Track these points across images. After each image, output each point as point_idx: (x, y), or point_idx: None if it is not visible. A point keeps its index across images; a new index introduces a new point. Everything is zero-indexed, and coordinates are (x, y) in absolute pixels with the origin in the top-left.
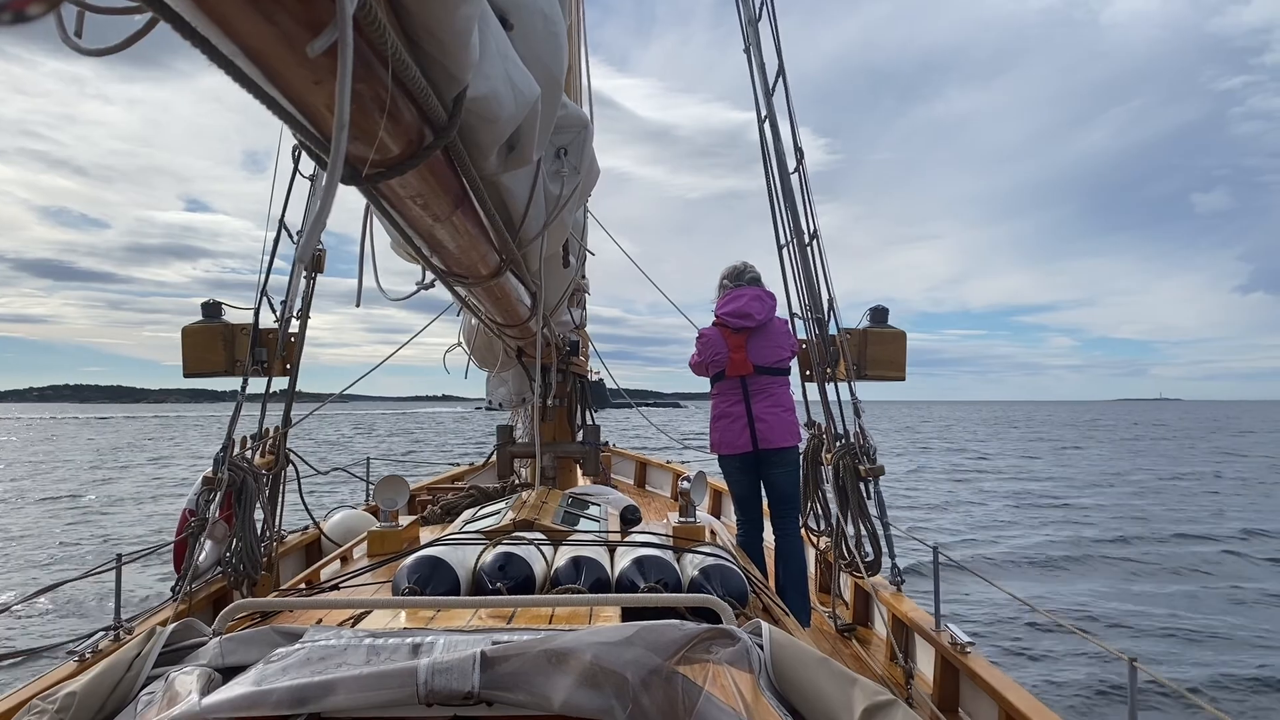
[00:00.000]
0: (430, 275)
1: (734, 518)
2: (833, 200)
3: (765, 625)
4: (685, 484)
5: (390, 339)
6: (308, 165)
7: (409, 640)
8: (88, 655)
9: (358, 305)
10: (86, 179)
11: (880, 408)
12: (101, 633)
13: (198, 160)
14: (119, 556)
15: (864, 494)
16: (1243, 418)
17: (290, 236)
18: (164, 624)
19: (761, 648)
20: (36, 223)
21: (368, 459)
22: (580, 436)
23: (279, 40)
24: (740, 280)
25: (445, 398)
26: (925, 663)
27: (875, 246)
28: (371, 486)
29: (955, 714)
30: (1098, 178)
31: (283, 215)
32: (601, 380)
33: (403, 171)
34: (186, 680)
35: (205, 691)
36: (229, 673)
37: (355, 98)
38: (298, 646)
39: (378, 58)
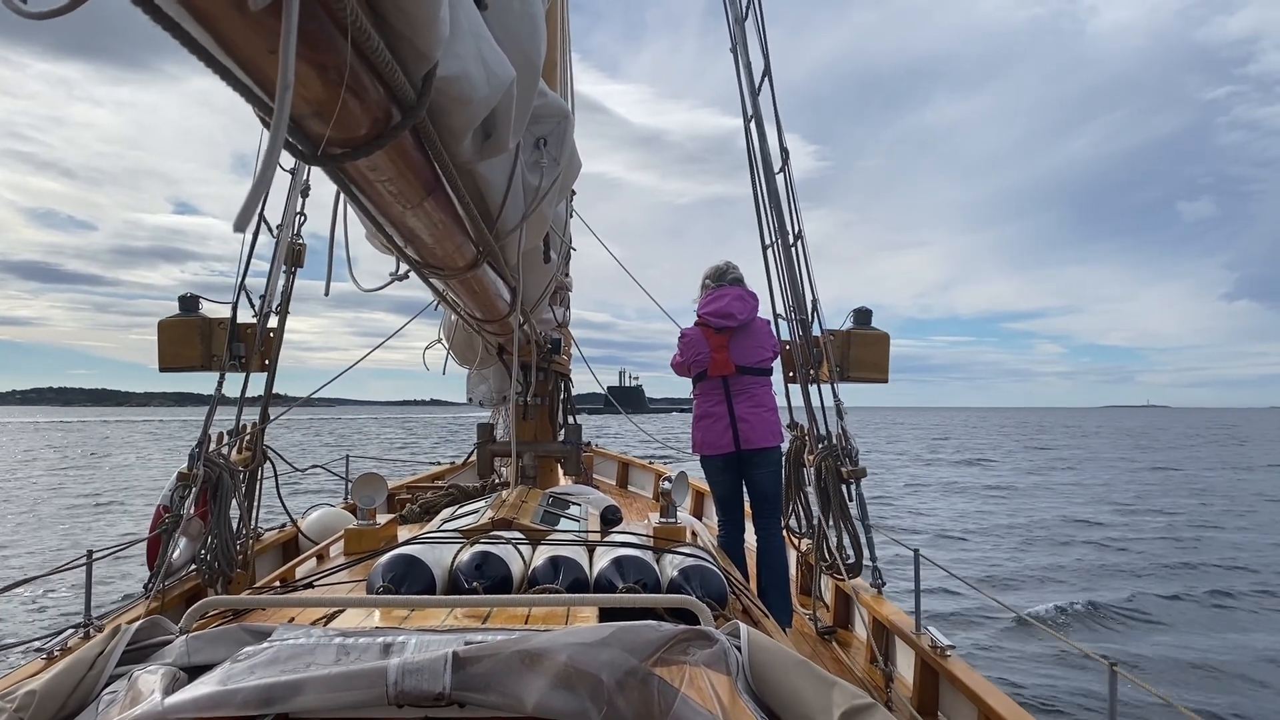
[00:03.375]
0: (405, 266)
1: (715, 519)
2: (822, 206)
3: (743, 627)
4: (666, 484)
5: (378, 342)
6: (288, 159)
7: (380, 640)
8: (55, 653)
9: (326, 294)
10: (74, 181)
11: (868, 414)
12: (70, 630)
13: (186, 163)
14: (89, 552)
15: (846, 496)
16: (1240, 425)
17: (270, 231)
18: (130, 623)
19: (739, 650)
20: (24, 225)
21: (346, 456)
22: (562, 436)
23: (225, 2)
24: (723, 280)
25: (434, 402)
26: (905, 666)
27: (864, 253)
28: (350, 484)
29: (934, 717)
30: (1084, 185)
31: (261, 209)
32: (641, 386)
33: (369, 152)
34: (150, 679)
35: (169, 691)
36: (195, 672)
37: (314, 69)
38: (265, 645)
39: (336, 26)
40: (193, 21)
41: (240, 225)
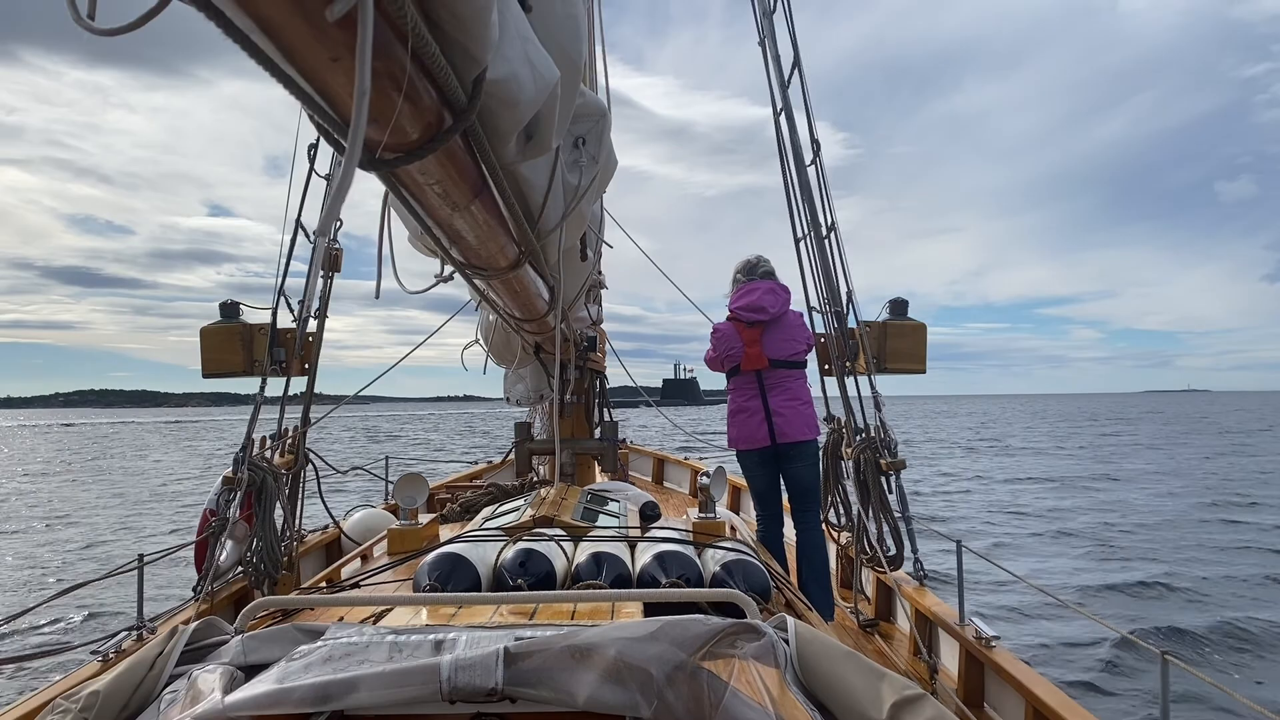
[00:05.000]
0: (449, 268)
1: (753, 513)
2: (852, 194)
3: (790, 619)
4: (704, 479)
5: (411, 340)
6: (323, 164)
7: (431, 637)
8: (111, 655)
9: (377, 297)
10: (111, 186)
11: (906, 403)
12: (125, 632)
13: (219, 166)
14: (140, 557)
15: (885, 488)
16: None
17: (307, 236)
18: (186, 624)
19: (787, 642)
20: (64, 230)
21: (386, 458)
22: (598, 433)
23: (295, 11)
24: (754, 274)
25: (468, 398)
26: (949, 657)
27: (895, 240)
28: (390, 485)
29: (981, 709)
30: (1119, 167)
31: (299, 214)
32: (695, 378)
33: (422, 156)
34: (209, 678)
35: (228, 689)
36: (251, 671)
37: (373, 76)
38: (319, 644)
39: (396, 34)
40: (260, 32)
41: (324, 231)
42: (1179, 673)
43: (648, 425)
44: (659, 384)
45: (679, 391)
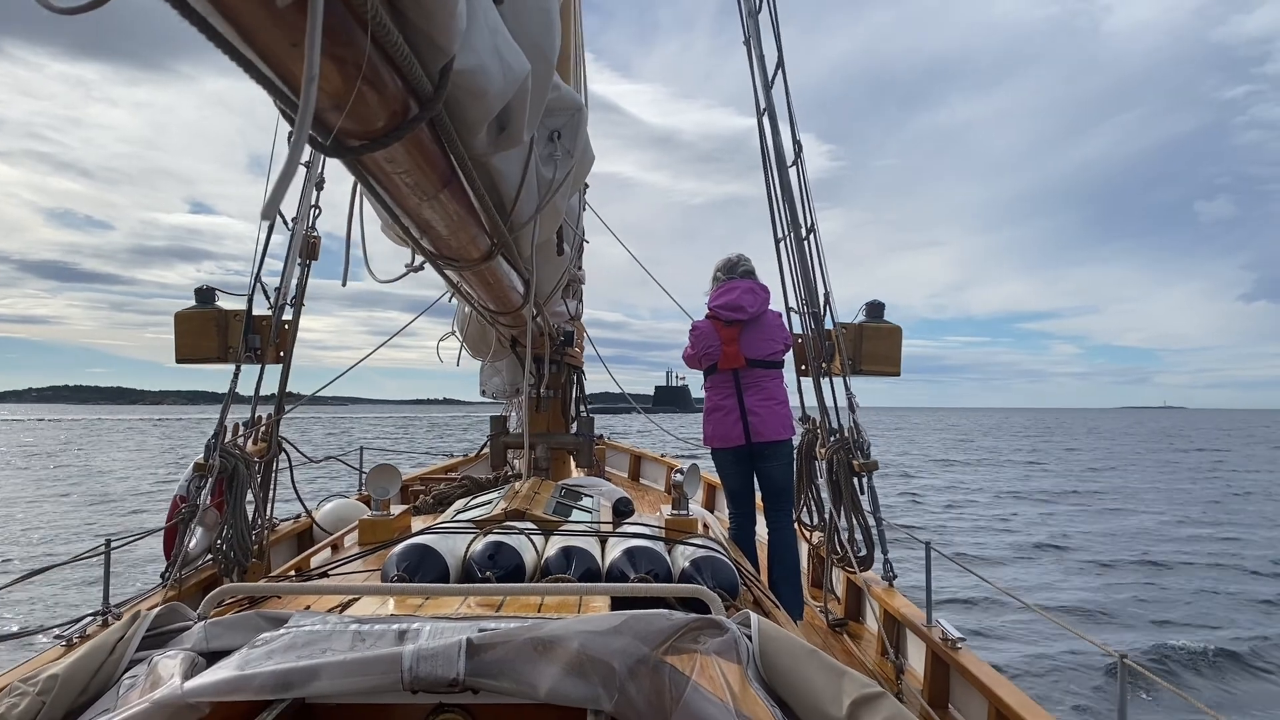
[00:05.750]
0: (420, 258)
1: (727, 511)
2: (836, 206)
3: (754, 616)
4: (678, 476)
5: (394, 341)
6: (305, 151)
7: (395, 627)
8: (75, 639)
9: (344, 284)
10: (92, 181)
11: (880, 414)
12: (90, 617)
13: (202, 163)
14: (107, 541)
15: (857, 489)
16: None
17: (285, 224)
18: (153, 609)
19: (750, 639)
20: (42, 224)
21: (360, 449)
22: (574, 428)
23: None
24: (733, 273)
25: (447, 401)
26: (916, 658)
27: (878, 253)
28: (364, 476)
29: (945, 710)
30: (1101, 185)
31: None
32: (686, 386)
33: (387, 144)
34: (169, 664)
35: (188, 675)
36: (213, 657)
37: (335, 63)
38: (283, 631)
39: (357, 21)
40: (218, 16)
41: (268, 214)
42: (1139, 678)
43: (644, 430)
44: (651, 391)
45: (671, 399)
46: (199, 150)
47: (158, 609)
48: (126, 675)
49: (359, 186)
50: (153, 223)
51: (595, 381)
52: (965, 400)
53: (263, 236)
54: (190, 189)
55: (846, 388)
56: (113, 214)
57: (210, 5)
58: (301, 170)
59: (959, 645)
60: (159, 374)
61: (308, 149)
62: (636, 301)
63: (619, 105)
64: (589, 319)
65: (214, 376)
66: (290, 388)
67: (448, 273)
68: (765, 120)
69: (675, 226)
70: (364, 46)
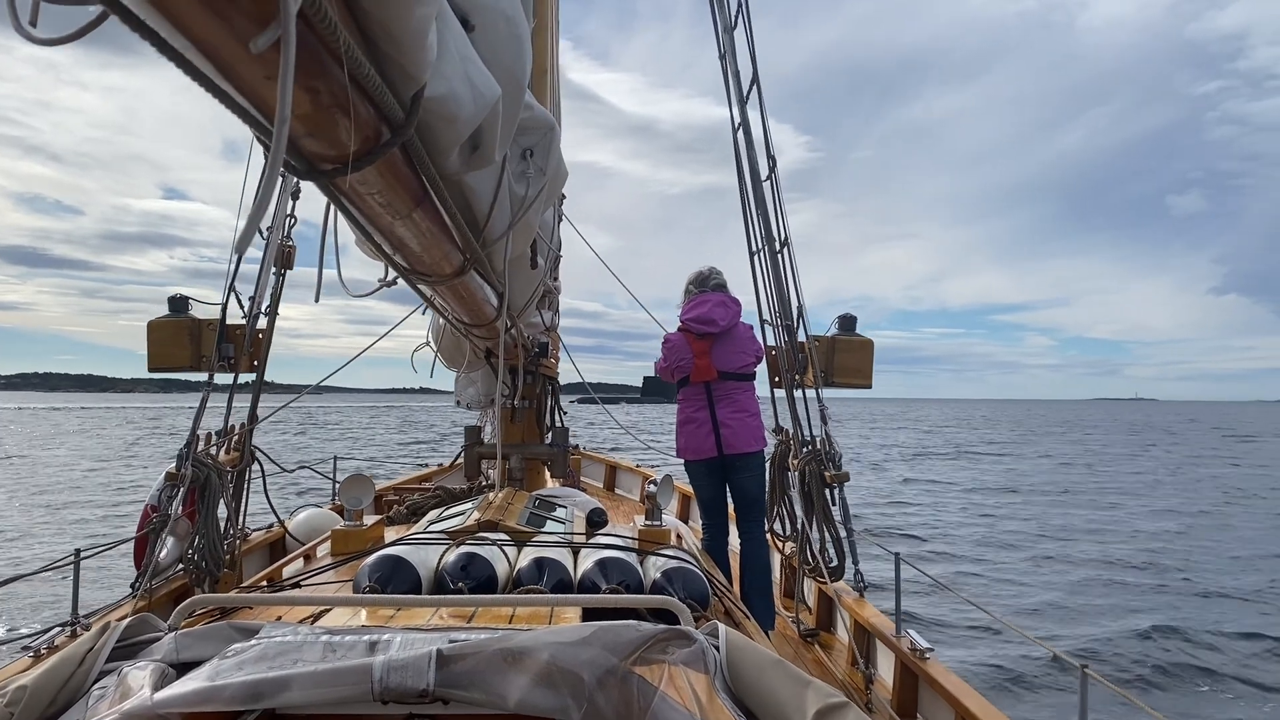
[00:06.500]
0: (393, 273)
1: (700, 522)
2: (813, 198)
3: (722, 627)
4: (652, 487)
5: (369, 330)
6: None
7: (366, 638)
8: (43, 650)
9: (316, 300)
10: (62, 165)
11: (859, 405)
12: (58, 628)
13: (176, 149)
14: (77, 551)
15: (829, 500)
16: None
17: (260, 232)
18: (120, 620)
19: (718, 649)
20: (11, 209)
21: (334, 458)
22: (549, 439)
23: (228, 35)
24: (705, 286)
25: (424, 390)
26: (885, 668)
27: (854, 245)
28: (337, 485)
29: (914, 719)
30: (1075, 179)
31: (253, 210)
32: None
33: (359, 168)
34: (139, 675)
35: (158, 686)
36: (183, 668)
37: (309, 93)
38: (253, 642)
39: (331, 55)
40: (196, 52)
41: (241, 248)
42: (1099, 687)
43: (630, 417)
44: (639, 383)
45: (658, 389)
46: (172, 135)
47: (128, 620)
48: (96, 686)
49: (332, 205)
50: (124, 208)
51: (573, 373)
52: (939, 391)
53: (235, 248)
54: (164, 175)
55: (819, 400)
56: (83, 199)
57: (187, 42)
58: (277, 181)
59: (927, 655)
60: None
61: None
62: (614, 291)
63: (597, 94)
64: (568, 309)
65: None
66: (267, 378)
67: (421, 287)
68: (740, 136)
69: (654, 216)
70: (337, 77)
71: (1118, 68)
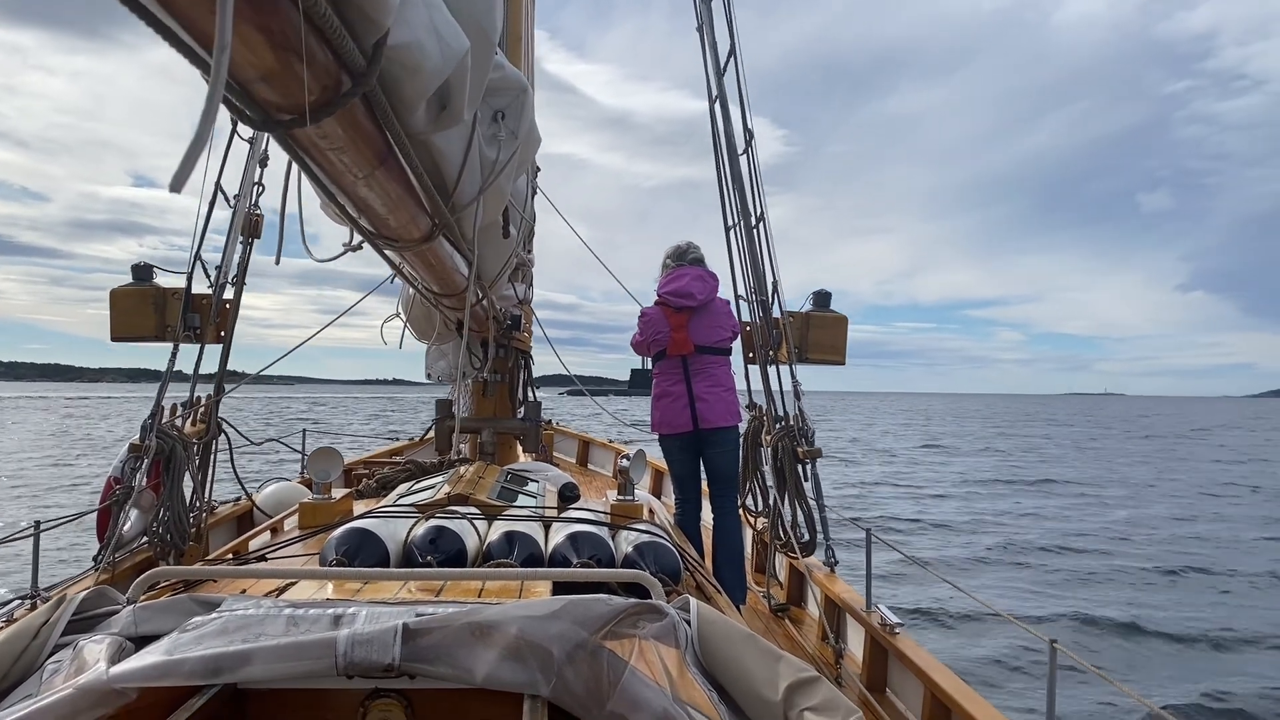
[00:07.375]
0: (359, 237)
1: (673, 497)
2: (788, 191)
3: (693, 601)
4: (624, 462)
5: (342, 321)
6: (246, 129)
7: (330, 611)
8: (0, 624)
9: (277, 262)
10: (28, 151)
11: (831, 399)
12: (17, 601)
13: (145, 135)
14: (37, 523)
15: (801, 476)
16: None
17: (227, 200)
18: (80, 592)
19: (689, 624)
20: None
21: (304, 431)
22: (522, 413)
23: None
24: (683, 260)
25: (397, 381)
26: (855, 643)
27: (829, 238)
28: (306, 458)
29: (883, 694)
30: (1046, 175)
31: (219, 179)
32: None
33: (318, 119)
34: (95, 648)
35: (114, 660)
36: (142, 642)
37: (260, 33)
38: (214, 616)
39: None
40: None
41: (176, 186)
42: (1066, 659)
43: (620, 409)
44: (617, 375)
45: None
46: (142, 122)
47: (85, 592)
48: (50, 660)
49: (292, 164)
50: (93, 195)
51: (558, 365)
52: (911, 385)
53: (202, 214)
54: (133, 161)
55: (793, 376)
56: (50, 186)
57: None
58: (245, 147)
59: (897, 630)
60: (98, 351)
61: (232, 122)
62: (589, 284)
63: (574, 86)
64: (543, 302)
65: (155, 355)
66: (234, 367)
67: (388, 253)
68: (717, 108)
69: (629, 208)
70: (292, 18)
71: (1090, 65)
